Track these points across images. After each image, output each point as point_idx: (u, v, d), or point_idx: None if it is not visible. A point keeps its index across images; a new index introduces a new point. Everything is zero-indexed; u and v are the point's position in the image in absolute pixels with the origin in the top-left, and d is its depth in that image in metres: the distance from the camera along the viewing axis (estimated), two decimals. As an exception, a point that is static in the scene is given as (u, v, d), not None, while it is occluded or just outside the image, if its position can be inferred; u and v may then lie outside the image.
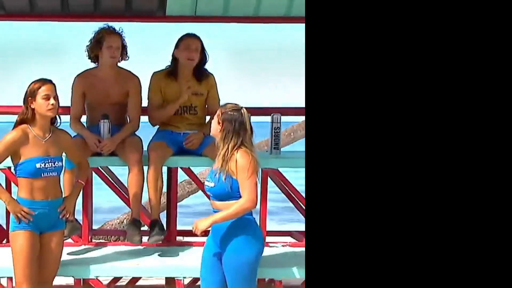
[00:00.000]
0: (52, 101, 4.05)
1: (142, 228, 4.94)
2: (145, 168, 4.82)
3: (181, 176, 5.56)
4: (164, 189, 5.13)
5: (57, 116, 4.19)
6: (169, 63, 5.05)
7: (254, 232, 4.08)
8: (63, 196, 4.28)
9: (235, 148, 3.97)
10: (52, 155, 4.09)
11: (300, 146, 8.17)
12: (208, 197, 4.18)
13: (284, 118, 6.42)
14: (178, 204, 8.50)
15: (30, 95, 4.05)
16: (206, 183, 4.10)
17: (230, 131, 3.98)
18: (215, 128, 4.06)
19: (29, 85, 4.09)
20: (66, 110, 5.10)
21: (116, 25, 5.06)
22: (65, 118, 5.05)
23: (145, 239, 4.85)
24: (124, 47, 4.94)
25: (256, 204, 4.02)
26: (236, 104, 4.13)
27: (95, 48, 4.88)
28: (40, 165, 4.02)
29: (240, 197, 3.97)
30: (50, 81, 4.11)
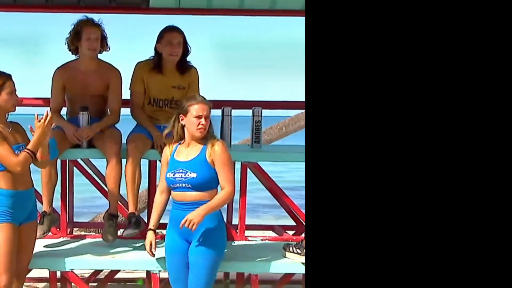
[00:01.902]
0: (15, 96, 4.10)
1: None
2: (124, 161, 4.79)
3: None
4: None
5: None
6: (153, 55, 5.01)
7: (221, 227, 4.17)
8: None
9: (215, 140, 4.11)
10: (20, 143, 4.11)
11: (291, 140, 8.16)
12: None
13: (276, 113, 6.41)
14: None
15: None
16: (179, 175, 4.11)
17: (211, 124, 4.15)
18: (207, 126, 4.12)
19: None
20: (46, 102, 5.11)
21: (100, 16, 5.03)
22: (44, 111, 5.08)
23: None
24: (104, 38, 4.90)
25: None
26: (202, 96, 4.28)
27: (74, 40, 4.85)
28: (17, 153, 4.01)
29: (215, 185, 4.10)
30: (11, 76, 4.12)
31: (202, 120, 4.08)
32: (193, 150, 4.14)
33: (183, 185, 4.08)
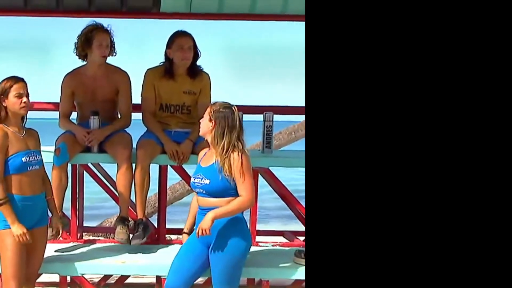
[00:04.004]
0: (24, 99, 4.07)
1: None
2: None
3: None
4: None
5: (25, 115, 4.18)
6: (163, 61, 5.00)
7: (243, 229, 4.16)
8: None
9: (231, 146, 4.04)
10: (32, 149, 4.10)
11: (301, 145, 8.15)
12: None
13: (285, 118, 6.39)
14: (179, 201, 8.46)
15: (2, 94, 4.04)
16: (197, 180, 4.12)
17: (224, 129, 4.05)
18: (207, 126, 4.09)
19: (0, 84, 4.07)
20: (57, 106, 5.11)
21: (111, 21, 5.04)
22: (56, 114, 5.09)
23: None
24: (112, 44, 4.90)
25: (254, 203, 4.19)
26: (226, 102, 4.18)
27: (85, 46, 4.85)
28: (26, 159, 4.02)
29: (234, 193, 4.06)
30: (22, 79, 4.10)
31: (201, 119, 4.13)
32: (212, 156, 4.13)
33: (200, 190, 4.10)
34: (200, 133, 4.19)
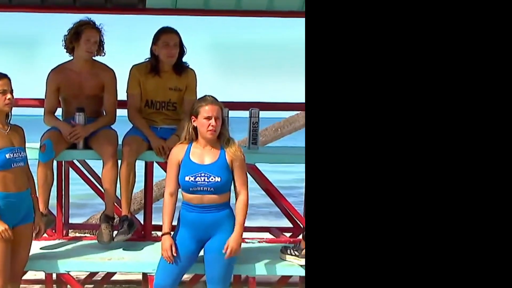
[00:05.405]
0: (8, 95, 4.04)
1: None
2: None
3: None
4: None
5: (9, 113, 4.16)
6: (148, 57, 4.98)
7: (234, 221, 4.19)
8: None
9: (233, 142, 4.15)
10: (16, 146, 4.07)
11: (287, 141, 8.17)
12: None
13: (271, 114, 6.39)
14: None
15: None
16: (201, 179, 4.08)
17: (224, 125, 4.16)
18: (224, 125, 4.15)
19: None
20: (41, 102, 5.08)
21: (97, 17, 5.00)
22: (41, 111, 5.06)
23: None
24: (101, 43, 4.88)
25: None
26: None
27: (73, 39, 4.81)
28: (9, 155, 3.99)
29: (230, 189, 4.13)
30: (5, 76, 4.08)
31: (212, 121, 4.06)
32: (211, 152, 4.12)
33: (205, 188, 4.07)
34: (218, 132, 4.13)
